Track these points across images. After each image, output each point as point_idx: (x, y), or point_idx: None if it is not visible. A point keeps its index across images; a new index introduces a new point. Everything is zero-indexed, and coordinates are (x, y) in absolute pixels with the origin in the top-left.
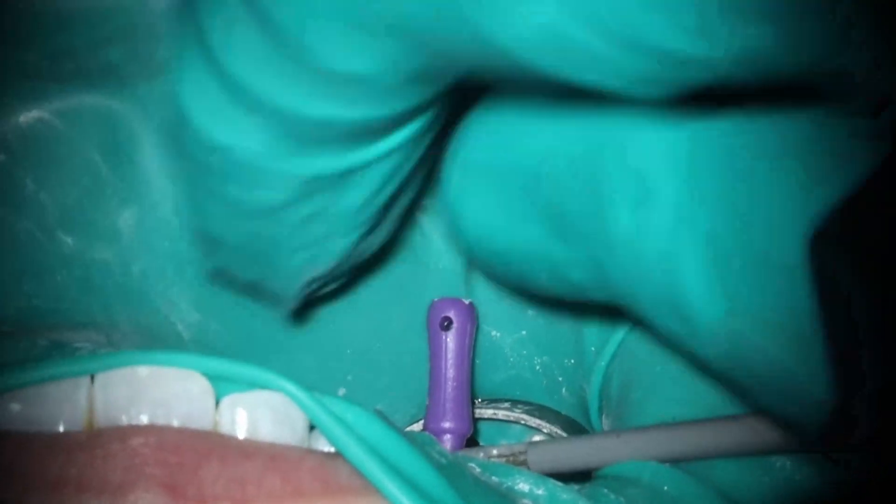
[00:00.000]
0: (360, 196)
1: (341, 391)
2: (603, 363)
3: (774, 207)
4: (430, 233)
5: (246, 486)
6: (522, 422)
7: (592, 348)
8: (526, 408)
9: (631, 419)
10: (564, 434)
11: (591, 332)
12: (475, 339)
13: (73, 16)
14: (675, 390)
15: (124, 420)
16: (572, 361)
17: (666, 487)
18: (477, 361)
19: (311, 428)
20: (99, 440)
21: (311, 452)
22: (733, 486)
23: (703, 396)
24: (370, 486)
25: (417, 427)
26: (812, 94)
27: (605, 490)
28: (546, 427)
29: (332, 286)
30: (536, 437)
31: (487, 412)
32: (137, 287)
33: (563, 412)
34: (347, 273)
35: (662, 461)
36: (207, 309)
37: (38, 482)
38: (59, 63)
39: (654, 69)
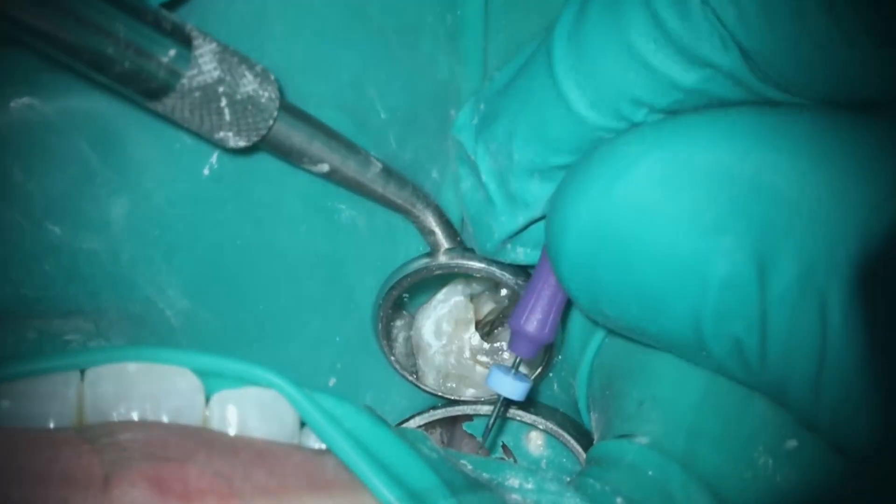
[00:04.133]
0: None
1: (332, 381)
2: (588, 356)
3: None
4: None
5: (232, 482)
6: (518, 418)
7: (577, 343)
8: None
9: (616, 406)
10: (561, 430)
11: (575, 328)
12: None
13: None
14: (654, 374)
15: (114, 416)
16: (559, 357)
17: (650, 472)
18: None
19: (303, 424)
20: (86, 435)
21: (299, 448)
22: (716, 476)
23: (681, 380)
24: (356, 481)
25: (413, 424)
26: None
27: (591, 480)
28: (541, 423)
29: None
30: (532, 433)
31: (485, 409)
32: (126, 275)
33: (557, 407)
34: None
35: None
36: (196, 297)
37: (22, 477)
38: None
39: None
